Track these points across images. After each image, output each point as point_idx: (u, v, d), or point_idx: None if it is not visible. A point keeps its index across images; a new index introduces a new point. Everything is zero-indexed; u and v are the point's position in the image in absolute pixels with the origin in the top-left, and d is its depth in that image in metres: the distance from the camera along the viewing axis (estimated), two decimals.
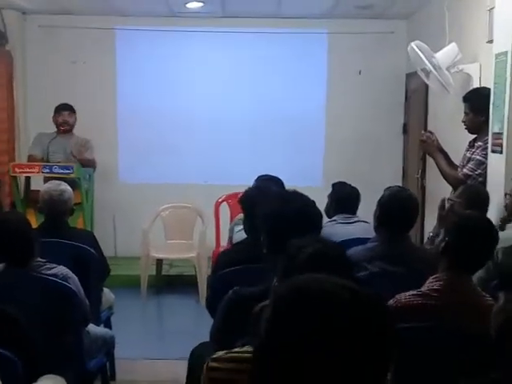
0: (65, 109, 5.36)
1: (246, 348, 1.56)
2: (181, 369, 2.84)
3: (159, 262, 5.64)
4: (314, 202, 2.35)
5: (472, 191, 3.31)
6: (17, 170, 4.90)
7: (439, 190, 4.38)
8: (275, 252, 2.05)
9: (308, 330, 0.99)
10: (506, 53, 3.40)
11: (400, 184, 6.22)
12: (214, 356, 1.58)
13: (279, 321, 1.03)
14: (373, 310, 1.04)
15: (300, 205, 2.26)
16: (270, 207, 2.29)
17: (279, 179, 3.80)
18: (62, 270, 2.73)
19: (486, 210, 3.28)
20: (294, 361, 0.99)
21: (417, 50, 4.24)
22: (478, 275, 2.72)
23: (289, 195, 2.42)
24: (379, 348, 1.02)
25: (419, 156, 5.52)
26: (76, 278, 2.77)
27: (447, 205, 3.39)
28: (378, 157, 6.40)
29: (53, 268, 2.71)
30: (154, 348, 4.30)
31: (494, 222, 3.29)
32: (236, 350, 1.59)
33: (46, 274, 2.66)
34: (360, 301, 1.04)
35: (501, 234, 2.87)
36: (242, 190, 3.28)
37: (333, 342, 0.99)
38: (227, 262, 2.81)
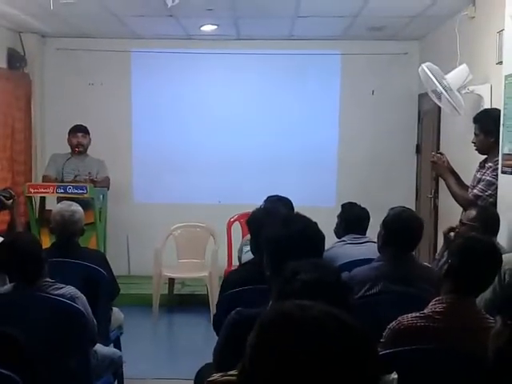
0: (79, 130, 5.45)
1: None
2: None
3: (171, 281, 5.67)
4: (316, 223, 2.36)
5: (487, 214, 3.30)
6: (31, 190, 4.98)
7: (452, 210, 4.36)
8: (277, 274, 2.05)
9: (290, 358, 0.99)
10: None
11: (413, 204, 6.22)
12: (210, 379, 1.58)
13: (262, 346, 1.03)
14: (358, 340, 1.04)
15: (301, 227, 2.27)
16: (272, 230, 2.31)
17: (288, 200, 3.81)
18: (69, 290, 2.76)
19: (497, 232, 3.27)
20: None
21: (427, 71, 4.25)
22: (485, 297, 2.71)
23: (291, 218, 2.43)
24: (362, 378, 1.02)
25: (432, 176, 5.50)
26: (84, 298, 2.80)
27: (459, 228, 3.37)
28: (392, 177, 6.40)
29: (61, 288, 2.74)
30: (165, 367, 4.30)
31: (504, 243, 3.30)
32: (232, 372, 1.59)
33: (54, 294, 2.69)
34: (345, 330, 1.04)
35: (508, 255, 2.86)
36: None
37: (315, 370, 0.99)
38: (235, 282, 2.84)
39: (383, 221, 2.97)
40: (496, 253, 2.30)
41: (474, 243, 2.33)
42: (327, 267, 1.81)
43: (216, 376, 1.58)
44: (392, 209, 3.06)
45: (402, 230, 2.85)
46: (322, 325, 1.03)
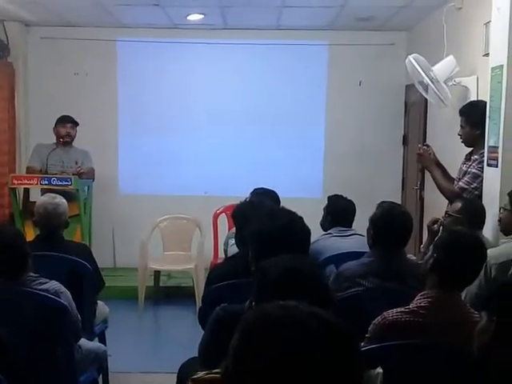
0: (69, 121, 5.39)
1: None
2: None
3: (157, 273, 5.65)
4: (301, 218, 2.35)
5: (472, 207, 3.30)
6: (15, 181, 4.92)
7: (438, 202, 4.38)
8: None
9: (273, 358, 0.99)
10: (501, 67, 3.40)
11: (399, 195, 6.24)
12: (194, 377, 1.56)
13: (245, 348, 1.03)
14: (340, 339, 1.03)
15: (286, 222, 2.25)
16: (256, 225, 2.29)
17: (274, 192, 3.81)
18: (53, 285, 2.73)
19: (482, 225, 3.28)
20: None
21: (414, 63, 4.24)
22: (470, 291, 2.72)
23: (276, 212, 2.42)
24: (345, 377, 1.01)
25: (418, 167, 5.51)
26: (68, 293, 2.77)
27: (445, 219, 3.38)
28: (378, 168, 6.41)
29: (45, 283, 2.71)
30: (150, 361, 4.28)
31: (489, 236, 3.31)
32: (217, 370, 1.58)
33: (38, 289, 2.66)
34: (327, 329, 1.03)
35: (493, 249, 2.87)
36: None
37: (298, 371, 0.99)
38: (219, 277, 2.82)
39: (371, 219, 2.90)
40: (481, 247, 2.29)
41: (459, 237, 2.32)
42: (304, 258, 1.80)
43: (200, 374, 1.57)
44: (379, 205, 3.01)
45: (391, 228, 2.79)
46: (305, 325, 1.03)
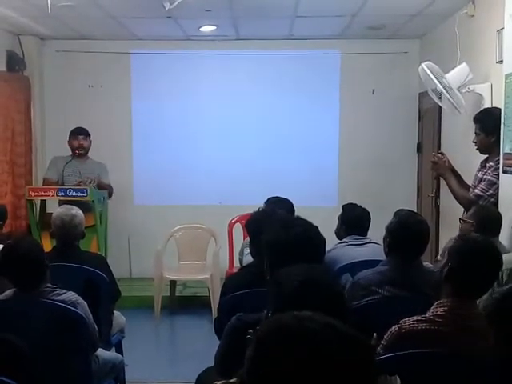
0: (80, 133, 5.45)
1: None
2: None
3: (173, 283, 5.67)
4: (316, 227, 2.34)
5: (484, 213, 3.28)
6: (32, 193, 4.97)
7: (453, 209, 4.36)
8: None
9: (288, 369, 0.99)
10: None
11: (415, 203, 6.21)
12: None
13: (260, 359, 1.03)
14: (355, 350, 1.03)
15: (301, 231, 2.25)
16: (271, 234, 2.30)
17: (289, 201, 3.81)
18: (71, 295, 2.75)
19: (498, 232, 3.25)
20: None
21: (427, 70, 4.24)
22: (483, 297, 2.69)
23: (291, 221, 2.42)
24: None
25: (433, 175, 5.49)
26: (85, 304, 2.79)
27: (459, 224, 3.36)
28: (393, 176, 6.39)
29: (62, 294, 2.73)
30: (167, 370, 4.29)
31: (506, 242, 3.28)
32: (233, 380, 1.58)
33: (55, 300, 2.69)
34: (342, 340, 1.03)
35: (506, 255, 2.84)
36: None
37: (313, 382, 0.98)
38: (235, 286, 2.83)
39: (387, 227, 2.88)
40: (495, 254, 2.25)
41: (473, 245, 2.28)
42: (318, 268, 1.79)
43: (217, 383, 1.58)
44: (396, 213, 2.99)
45: (408, 237, 2.77)
46: (320, 336, 1.02)
